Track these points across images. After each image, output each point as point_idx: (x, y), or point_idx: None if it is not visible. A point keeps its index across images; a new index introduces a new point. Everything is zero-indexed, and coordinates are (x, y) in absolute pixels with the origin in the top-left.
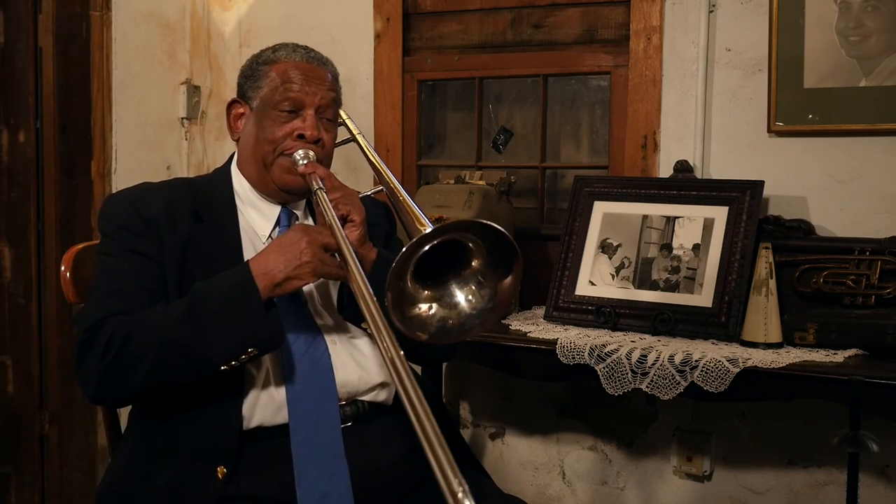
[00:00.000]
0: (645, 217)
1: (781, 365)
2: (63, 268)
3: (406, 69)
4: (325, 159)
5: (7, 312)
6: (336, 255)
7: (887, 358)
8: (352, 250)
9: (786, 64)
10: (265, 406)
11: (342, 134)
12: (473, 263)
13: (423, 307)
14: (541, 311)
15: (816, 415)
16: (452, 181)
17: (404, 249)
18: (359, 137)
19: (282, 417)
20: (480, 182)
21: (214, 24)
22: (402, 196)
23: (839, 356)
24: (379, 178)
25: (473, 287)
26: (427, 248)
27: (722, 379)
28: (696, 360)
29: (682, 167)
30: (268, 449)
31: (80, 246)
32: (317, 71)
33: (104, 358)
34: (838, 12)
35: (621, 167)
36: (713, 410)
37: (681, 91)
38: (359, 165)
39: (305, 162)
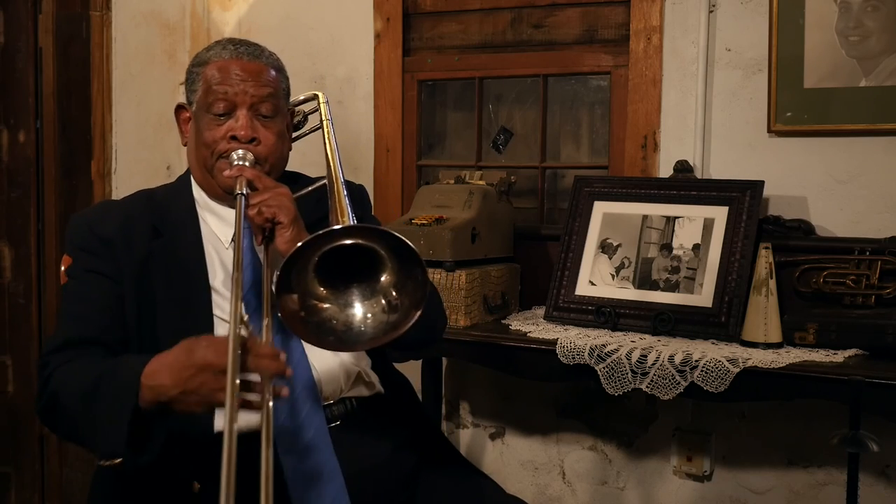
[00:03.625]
0: (645, 217)
1: (781, 365)
2: (63, 268)
3: (406, 69)
4: (269, 156)
5: (7, 312)
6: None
7: (887, 358)
8: (235, 376)
9: (786, 64)
10: (245, 415)
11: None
12: (383, 278)
13: (318, 303)
14: (541, 311)
15: (816, 415)
16: (452, 181)
17: (301, 244)
18: (326, 124)
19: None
20: (480, 182)
21: (214, 24)
22: (337, 190)
23: (839, 356)
24: (327, 168)
25: (383, 304)
26: (337, 244)
27: (722, 379)
28: (696, 360)
29: (682, 167)
30: (256, 453)
31: None
32: (249, 66)
33: (40, 400)
34: (838, 12)
35: (621, 167)
36: (713, 410)
37: (681, 91)
38: (359, 165)
39: (237, 164)
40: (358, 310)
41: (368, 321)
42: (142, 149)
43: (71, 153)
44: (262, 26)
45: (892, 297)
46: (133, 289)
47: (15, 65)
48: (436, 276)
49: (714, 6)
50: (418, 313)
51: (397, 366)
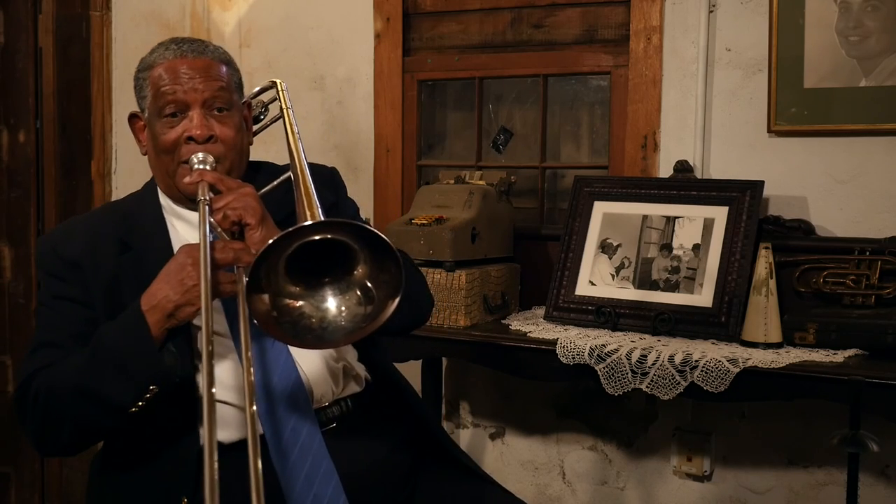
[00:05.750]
0: (645, 217)
1: (781, 365)
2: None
3: (406, 69)
4: (229, 153)
5: (7, 312)
6: (234, 268)
7: (887, 358)
8: (207, 273)
9: (786, 64)
10: (235, 424)
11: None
12: (356, 271)
13: (291, 301)
14: (541, 311)
15: (816, 415)
16: (452, 181)
17: (272, 241)
18: (286, 112)
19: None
20: (480, 182)
21: (214, 24)
22: (303, 182)
23: (839, 356)
24: (290, 159)
25: (358, 296)
26: (305, 240)
27: (722, 379)
28: (696, 360)
29: (682, 167)
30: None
31: None
32: (195, 63)
33: (34, 415)
34: (838, 12)
35: (621, 167)
36: (713, 410)
37: (681, 91)
38: (359, 165)
39: (198, 168)
40: (332, 304)
41: (343, 314)
42: None
43: (71, 153)
44: (262, 26)
45: (892, 297)
46: (105, 308)
47: (15, 65)
48: (436, 276)
49: (714, 6)
50: (395, 303)
51: (397, 366)
